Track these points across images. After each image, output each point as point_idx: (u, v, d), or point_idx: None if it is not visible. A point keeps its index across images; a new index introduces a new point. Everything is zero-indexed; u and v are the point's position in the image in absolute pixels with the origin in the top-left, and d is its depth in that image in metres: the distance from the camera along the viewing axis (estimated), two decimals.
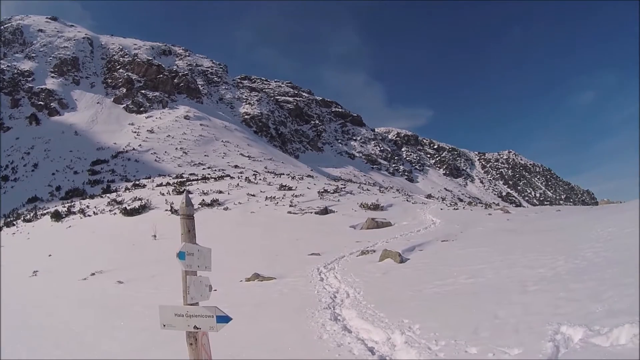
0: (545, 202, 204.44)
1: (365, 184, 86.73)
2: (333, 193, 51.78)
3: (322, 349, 8.78)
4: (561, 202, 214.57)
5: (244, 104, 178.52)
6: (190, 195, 51.79)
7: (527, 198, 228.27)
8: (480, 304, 10.18)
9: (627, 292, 8.39)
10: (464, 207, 47.09)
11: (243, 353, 9.03)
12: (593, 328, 7.20)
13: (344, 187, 58.52)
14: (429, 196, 72.01)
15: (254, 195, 49.91)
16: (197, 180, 67.74)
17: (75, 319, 13.43)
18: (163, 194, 55.17)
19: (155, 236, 33.67)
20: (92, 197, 66.38)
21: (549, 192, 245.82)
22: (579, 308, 8.34)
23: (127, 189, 68.45)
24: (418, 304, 11.27)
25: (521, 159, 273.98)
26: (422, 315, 10.07)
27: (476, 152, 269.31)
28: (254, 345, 9.52)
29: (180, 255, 4.55)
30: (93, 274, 23.63)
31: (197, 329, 4.55)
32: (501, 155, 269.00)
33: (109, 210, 50.58)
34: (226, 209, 44.49)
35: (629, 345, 6.38)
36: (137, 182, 73.42)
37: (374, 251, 21.22)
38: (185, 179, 70.44)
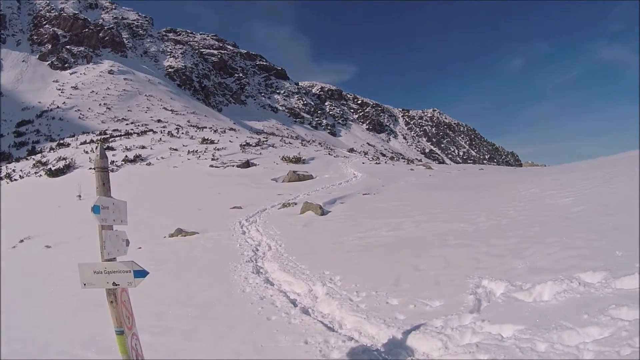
0: (469, 161, 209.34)
1: (287, 137, 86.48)
2: (255, 146, 51.66)
3: (245, 302, 8.85)
4: (485, 161, 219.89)
5: (168, 57, 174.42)
6: (113, 152, 50.15)
7: (450, 156, 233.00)
8: (401, 257, 10.38)
9: (548, 250, 8.68)
10: (386, 162, 47.50)
11: (168, 309, 9.03)
12: (515, 283, 7.44)
13: (266, 141, 58.10)
14: (351, 150, 72.41)
15: (176, 150, 49.49)
16: (121, 136, 66.26)
17: (4, 291, 12.89)
18: (87, 152, 53.71)
19: (80, 196, 32.48)
20: (17, 160, 63.57)
21: (472, 152, 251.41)
22: (500, 263, 8.61)
23: (51, 149, 66.19)
24: (339, 256, 11.47)
25: (446, 118, 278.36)
26: (343, 267, 10.28)
27: (400, 109, 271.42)
28: (179, 301, 9.54)
29: (95, 209, 4.41)
30: (22, 241, 22.83)
31: (116, 285, 4.46)
32: (425, 113, 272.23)
33: (35, 173, 48.84)
34: (149, 164, 43.89)
35: (553, 302, 6.62)
36: (62, 142, 70.50)
37: (296, 204, 21.50)
38: (108, 136, 68.75)
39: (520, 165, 73.17)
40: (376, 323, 7.13)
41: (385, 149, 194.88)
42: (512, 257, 8.76)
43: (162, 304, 9.36)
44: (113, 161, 44.82)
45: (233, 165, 39.77)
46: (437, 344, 6.14)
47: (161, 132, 66.64)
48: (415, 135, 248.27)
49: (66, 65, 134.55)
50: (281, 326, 7.49)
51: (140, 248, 15.38)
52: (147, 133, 67.31)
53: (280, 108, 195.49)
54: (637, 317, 5.67)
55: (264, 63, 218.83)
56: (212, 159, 43.47)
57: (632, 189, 12.53)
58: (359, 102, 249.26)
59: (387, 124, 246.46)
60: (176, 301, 9.56)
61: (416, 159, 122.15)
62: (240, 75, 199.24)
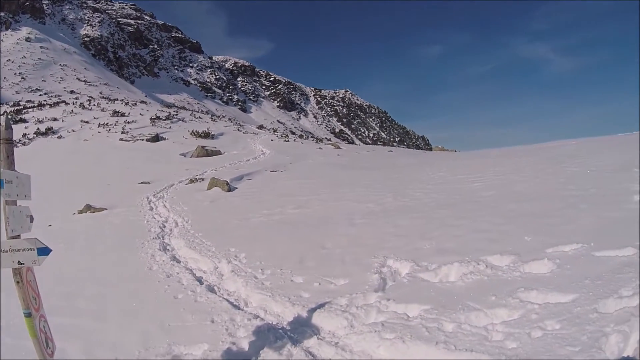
0: (379, 143, 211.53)
1: (198, 111, 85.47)
2: (165, 120, 51.17)
3: (152, 281, 8.66)
4: (395, 144, 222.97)
5: (85, 25, 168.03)
6: (25, 125, 48.47)
7: (360, 137, 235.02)
8: (306, 234, 10.41)
9: (456, 232, 8.82)
10: (295, 140, 47.70)
11: (77, 289, 8.61)
12: (421, 264, 7.49)
13: (177, 115, 57.49)
14: (261, 127, 72.36)
15: (87, 122, 48.36)
16: (34, 107, 63.64)
17: None
18: None
19: None
20: None
21: (383, 134, 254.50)
22: (406, 243, 8.66)
23: None
24: (245, 233, 11.40)
25: (357, 99, 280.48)
26: (248, 244, 10.21)
27: (312, 88, 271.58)
28: (88, 280, 9.16)
29: None
30: None
31: (21, 264, 4.15)
32: (337, 94, 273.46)
33: None
34: (60, 137, 42.59)
35: (459, 283, 6.69)
36: None
37: (203, 179, 21.38)
38: (22, 107, 65.83)
39: (431, 149, 74.76)
40: (281, 301, 7.06)
41: (295, 127, 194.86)
42: (418, 238, 8.83)
43: (71, 283, 8.97)
44: (25, 134, 43.41)
45: (143, 139, 39.20)
46: (343, 323, 6.09)
47: (73, 104, 64.64)
48: (326, 114, 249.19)
49: None
50: (188, 305, 7.34)
51: (50, 225, 14.79)
52: (60, 104, 65.04)
53: (193, 82, 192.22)
54: (547, 300, 5.80)
55: (180, 35, 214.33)
56: (122, 133, 42.68)
57: (541, 177, 12.94)
58: (272, 79, 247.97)
59: (299, 102, 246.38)
60: (85, 280, 9.17)
61: (326, 138, 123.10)
62: (155, 47, 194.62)
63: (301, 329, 6.22)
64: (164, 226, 13.40)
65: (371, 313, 6.20)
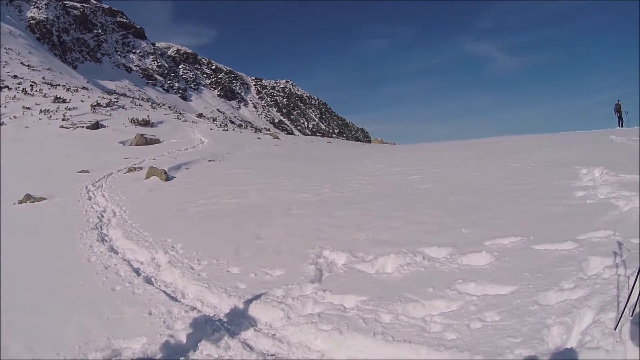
0: (318, 134, 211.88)
1: (138, 99, 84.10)
2: (106, 107, 49.64)
3: (91, 272, 8.39)
4: (334, 135, 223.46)
5: (32, 7, 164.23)
6: None
7: (299, 128, 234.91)
8: (243, 225, 10.23)
9: (392, 224, 8.76)
10: (233, 129, 47.55)
11: (17, 282, 8.32)
12: (357, 255, 7.42)
13: (117, 101, 56.22)
14: (200, 115, 71.59)
15: (29, 109, 46.55)
16: None
17: None
18: None
19: None
20: None
21: (322, 125, 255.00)
22: (342, 234, 8.59)
23: None
24: (182, 223, 11.25)
25: (298, 90, 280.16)
26: (185, 235, 10.04)
27: (253, 78, 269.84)
28: (27, 272, 8.88)
29: None
30: None
31: None
32: (278, 84, 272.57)
33: None
34: (2, 124, 40.89)
35: (396, 274, 6.62)
36: None
37: (141, 168, 20.98)
38: None
39: (370, 141, 75.07)
40: (218, 292, 6.92)
41: (235, 117, 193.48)
42: (354, 229, 8.77)
43: (11, 276, 8.64)
44: None
45: (83, 126, 37.96)
46: (279, 314, 5.98)
47: (16, 89, 63.02)
48: (266, 104, 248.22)
49: None
50: (126, 297, 7.15)
51: None
52: (2, 90, 63.44)
53: (135, 68, 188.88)
54: (486, 292, 5.78)
55: (124, 20, 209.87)
56: (63, 119, 41.23)
57: (481, 172, 13.05)
58: (213, 67, 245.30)
59: (239, 91, 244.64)
60: (25, 273, 8.88)
61: (265, 128, 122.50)
62: (99, 31, 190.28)
63: (238, 320, 6.11)
64: (102, 216, 13.11)
65: (307, 304, 6.11)
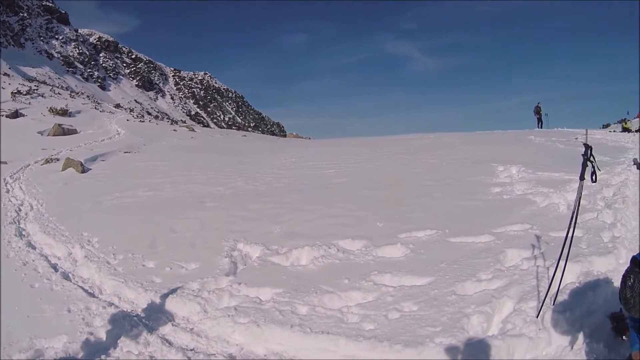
0: (234, 127, 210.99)
1: (58, 87, 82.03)
2: (25, 95, 48.17)
3: (9, 269, 8.01)
4: (249, 129, 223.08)
5: None
6: None
7: (215, 121, 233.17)
8: (158, 218, 10.00)
9: (306, 217, 8.76)
10: (150, 121, 47.02)
11: None
12: (271, 247, 7.35)
13: (37, 89, 54.73)
14: (118, 106, 70.14)
15: None
16: None
17: None
18: None
19: None
20: None
21: (238, 118, 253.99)
22: (256, 227, 8.52)
23: None
24: (98, 217, 10.86)
25: (216, 82, 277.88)
26: (101, 229, 9.71)
27: (172, 69, 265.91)
28: None
29: None
30: None
31: None
32: (196, 75, 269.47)
33: None
34: None
35: (311, 266, 6.58)
36: None
37: (58, 159, 20.22)
38: None
39: (285, 135, 75.28)
40: (134, 287, 6.72)
41: (152, 108, 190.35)
42: (268, 222, 8.72)
43: None
44: None
45: (2, 115, 36.72)
46: (196, 308, 5.85)
47: None
48: (183, 96, 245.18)
49: None
50: (44, 294, 6.85)
51: None
52: None
53: (56, 55, 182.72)
54: (402, 283, 5.78)
55: (50, 4, 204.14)
56: None
57: (397, 167, 13.19)
58: (133, 56, 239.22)
59: (157, 82, 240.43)
60: None
61: (181, 120, 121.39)
62: (25, 15, 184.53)
63: (156, 315, 5.96)
64: (20, 210, 12.53)
65: (223, 297, 6.00)
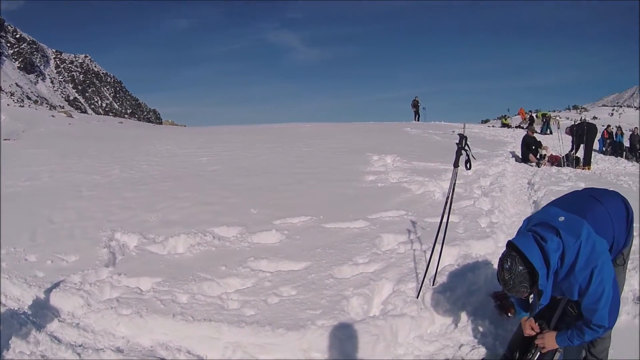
0: (110, 114, 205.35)
1: None
2: None
3: None
4: (126, 116, 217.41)
5: None
6: None
7: (93, 107, 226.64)
8: (36, 208, 9.41)
9: (181, 204, 8.63)
10: (29, 106, 45.59)
11: None
12: (148, 236, 7.13)
13: None
14: None
15: None
16: None
17: None
18: None
19: None
20: None
21: (115, 104, 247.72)
22: (133, 216, 8.27)
23: None
24: None
25: (95, 66, 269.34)
26: None
27: (54, 50, 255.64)
28: None
29: None
30: None
31: None
32: (77, 58, 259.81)
33: None
34: None
35: (188, 254, 6.44)
36: None
37: None
38: None
39: (161, 122, 74.31)
40: (19, 283, 6.23)
41: (32, 92, 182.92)
42: (144, 210, 8.49)
43: None
44: None
45: None
46: (80, 301, 5.49)
47: None
48: (63, 80, 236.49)
49: None
50: None
51: None
52: None
53: None
54: (279, 268, 5.79)
55: None
56: None
57: (271, 155, 13.28)
58: (18, 36, 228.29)
59: (39, 64, 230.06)
60: None
61: (59, 106, 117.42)
62: None
63: (42, 312, 5.53)
64: None
65: (105, 289, 5.69)
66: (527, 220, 3.84)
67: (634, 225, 3.95)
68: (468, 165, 5.32)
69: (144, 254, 6.57)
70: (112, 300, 5.37)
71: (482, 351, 4.59)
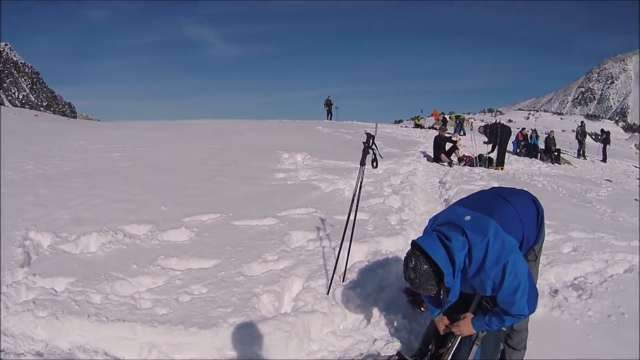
0: (27, 106, 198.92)
1: None
2: None
3: None
4: (42, 109, 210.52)
5: None
6: None
7: (10, 98, 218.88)
8: None
9: (93, 202, 8.48)
10: None
11: None
12: (61, 235, 6.97)
13: None
14: None
15: None
16: None
17: None
18: None
19: None
20: None
21: (32, 97, 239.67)
22: (46, 214, 8.03)
23: None
24: None
25: (15, 55, 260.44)
26: None
27: None
28: None
29: None
30: None
31: None
32: None
33: None
34: None
35: (100, 253, 6.35)
36: None
37: None
38: None
39: (75, 117, 72.72)
40: None
41: None
42: (57, 208, 8.28)
43: None
44: None
45: None
46: None
47: None
48: None
49: None
50: None
51: None
52: None
53: None
54: (189, 266, 5.85)
55: None
56: None
57: (181, 151, 13.48)
58: None
59: None
60: None
61: None
62: None
63: None
64: None
65: (21, 291, 5.49)
66: (433, 220, 3.94)
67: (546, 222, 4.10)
68: (374, 164, 5.49)
69: (57, 253, 6.44)
70: (28, 302, 5.23)
71: (396, 345, 4.72)
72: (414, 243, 3.57)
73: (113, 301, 5.06)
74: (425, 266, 3.42)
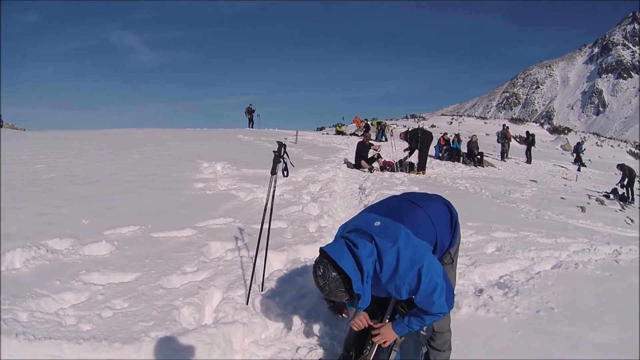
0: None
1: None
2: None
3: None
4: None
5: None
6: None
7: None
8: None
9: (17, 216, 8.30)
10: None
11: None
12: None
13: None
14: None
15: None
16: None
17: None
18: None
19: None
20: None
21: None
22: None
23: None
24: None
25: None
26: None
27: None
28: None
29: None
30: None
31: None
32: None
33: None
34: None
35: (24, 269, 6.25)
36: None
37: None
38: None
39: (1, 126, 70.18)
40: None
41: None
42: None
43: None
44: None
45: None
46: None
47: None
48: None
49: None
50: None
51: None
52: None
53: None
54: (110, 281, 5.87)
55: None
56: None
57: (103, 162, 13.36)
58: None
59: None
60: None
61: None
62: None
63: None
64: None
65: None
66: (344, 227, 4.02)
67: (464, 225, 4.23)
68: (285, 172, 5.74)
69: None
70: None
71: (319, 352, 4.88)
72: (321, 250, 3.64)
73: (39, 319, 5.02)
74: (334, 273, 3.47)
